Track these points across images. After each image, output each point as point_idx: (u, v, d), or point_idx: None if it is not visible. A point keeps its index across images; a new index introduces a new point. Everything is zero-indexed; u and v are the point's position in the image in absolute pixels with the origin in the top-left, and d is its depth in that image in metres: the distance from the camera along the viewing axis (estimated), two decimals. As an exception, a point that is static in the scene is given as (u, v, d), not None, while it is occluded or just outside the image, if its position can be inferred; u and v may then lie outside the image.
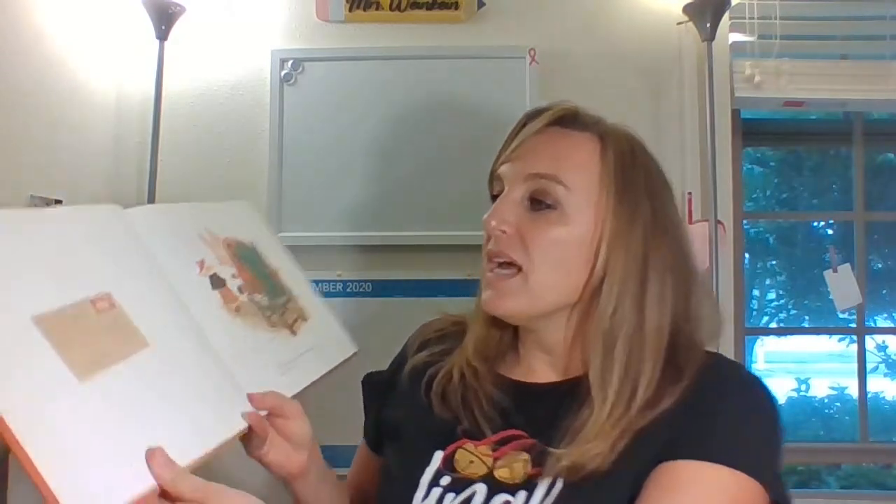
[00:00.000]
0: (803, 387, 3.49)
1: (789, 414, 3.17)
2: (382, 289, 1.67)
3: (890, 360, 3.15)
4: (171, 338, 0.65)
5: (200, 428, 0.62)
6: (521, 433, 0.76)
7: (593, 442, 0.69)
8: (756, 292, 3.38)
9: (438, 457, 0.77)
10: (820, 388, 3.44)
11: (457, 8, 1.72)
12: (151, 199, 1.60)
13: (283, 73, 1.71)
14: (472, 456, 0.76)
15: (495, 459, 0.75)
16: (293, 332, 0.81)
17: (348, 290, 1.68)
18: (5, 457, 1.19)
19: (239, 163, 1.73)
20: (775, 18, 1.72)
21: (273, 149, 1.70)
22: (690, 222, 1.65)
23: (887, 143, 2.26)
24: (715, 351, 0.78)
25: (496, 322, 0.81)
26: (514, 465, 0.73)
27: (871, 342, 2.81)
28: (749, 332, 2.20)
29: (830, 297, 1.80)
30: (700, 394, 0.70)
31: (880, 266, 2.90)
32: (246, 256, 0.82)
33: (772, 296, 3.47)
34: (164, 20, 1.58)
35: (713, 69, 1.62)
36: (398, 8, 1.73)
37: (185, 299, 0.69)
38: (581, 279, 0.75)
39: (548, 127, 0.79)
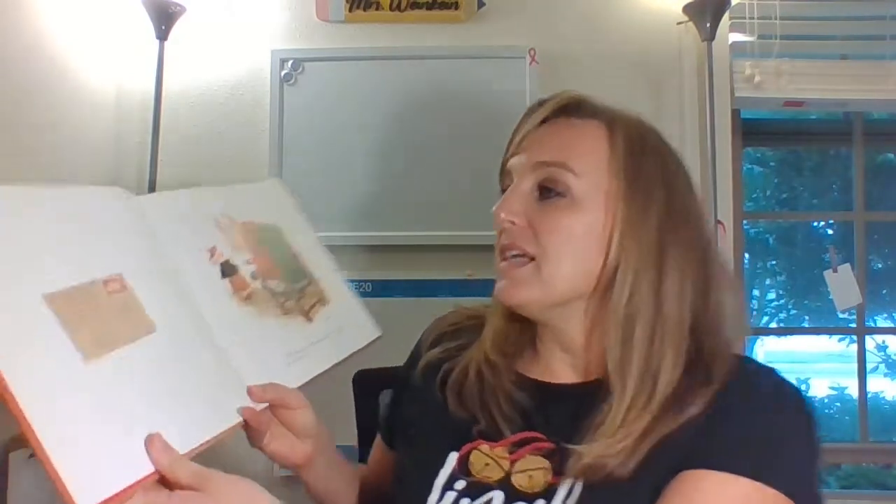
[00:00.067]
0: (803, 387, 3.49)
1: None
2: (382, 289, 1.67)
3: (890, 360, 3.15)
4: (177, 325, 0.65)
5: (198, 418, 0.62)
6: (540, 435, 0.74)
7: (615, 436, 0.66)
8: (756, 292, 3.38)
9: (453, 458, 0.75)
10: (820, 388, 3.43)
11: (457, 8, 1.72)
12: (151, 199, 1.59)
13: (283, 73, 1.71)
14: (488, 458, 0.74)
15: (512, 462, 0.73)
16: (309, 319, 0.80)
17: (348, 290, 1.68)
18: (6, 455, 1.19)
19: (239, 163, 1.73)
20: (775, 18, 1.72)
21: (273, 149, 1.70)
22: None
23: (887, 143, 2.26)
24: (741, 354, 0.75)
25: (515, 316, 0.79)
26: (535, 474, 0.71)
27: (870, 342, 2.81)
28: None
29: (830, 297, 1.80)
30: (731, 401, 0.67)
31: (880, 266, 2.90)
32: (267, 239, 0.82)
33: (772, 296, 3.47)
34: (164, 20, 1.58)
35: (713, 69, 1.62)
36: (398, 8, 1.73)
37: (192, 289, 0.69)
38: (595, 268, 0.73)
39: (554, 117, 0.78)
